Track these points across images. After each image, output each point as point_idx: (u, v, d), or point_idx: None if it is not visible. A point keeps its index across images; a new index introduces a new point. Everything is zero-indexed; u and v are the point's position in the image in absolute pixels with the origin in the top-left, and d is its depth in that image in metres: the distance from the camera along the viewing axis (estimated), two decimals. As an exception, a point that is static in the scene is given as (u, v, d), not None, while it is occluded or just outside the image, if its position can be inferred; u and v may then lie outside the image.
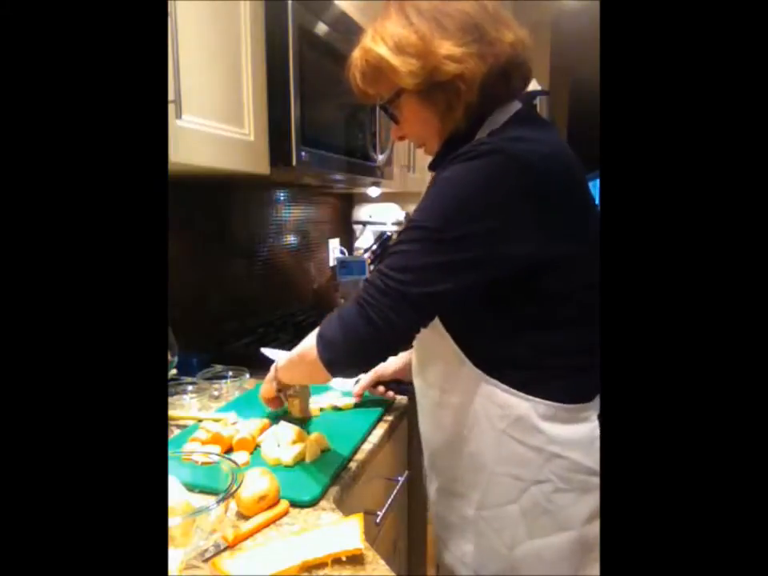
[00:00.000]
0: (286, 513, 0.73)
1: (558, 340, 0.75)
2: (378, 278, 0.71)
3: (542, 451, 0.75)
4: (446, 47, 0.72)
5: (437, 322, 0.77)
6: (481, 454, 0.78)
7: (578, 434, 0.76)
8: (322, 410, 1.07)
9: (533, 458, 0.76)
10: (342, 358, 0.75)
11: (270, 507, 0.73)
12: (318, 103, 1.26)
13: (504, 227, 0.68)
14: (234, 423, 0.97)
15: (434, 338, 0.79)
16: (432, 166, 0.86)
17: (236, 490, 0.67)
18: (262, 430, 0.93)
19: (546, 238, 0.70)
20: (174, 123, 0.87)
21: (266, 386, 0.97)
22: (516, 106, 0.79)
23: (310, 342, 0.78)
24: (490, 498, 0.79)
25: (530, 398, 0.75)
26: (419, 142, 0.86)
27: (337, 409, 1.07)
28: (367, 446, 0.94)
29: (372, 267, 2.09)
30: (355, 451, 0.91)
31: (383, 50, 0.75)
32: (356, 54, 0.81)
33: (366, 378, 1.09)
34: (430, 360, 0.83)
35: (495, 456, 0.77)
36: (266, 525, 0.71)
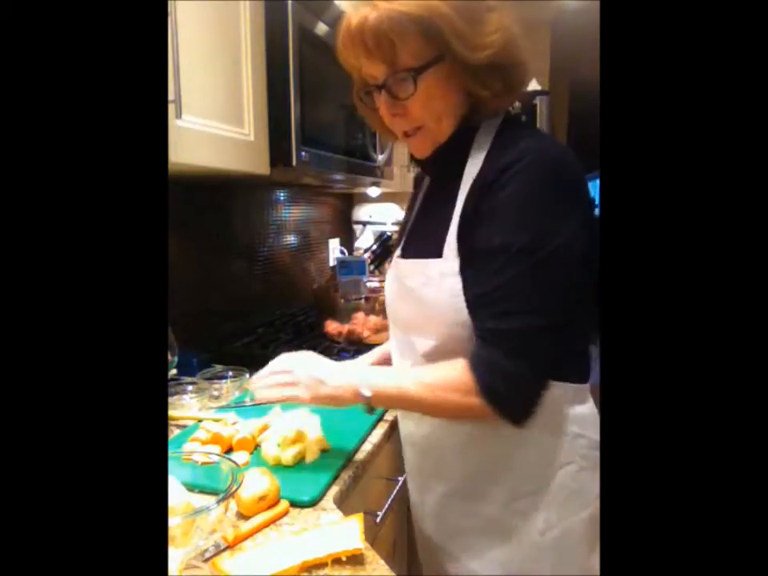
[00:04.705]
0: (286, 513, 0.73)
1: (574, 326, 0.74)
2: (515, 320, 0.68)
3: (565, 434, 0.76)
4: (517, 27, 0.70)
5: (463, 319, 0.73)
6: (503, 448, 0.77)
7: (590, 411, 0.77)
8: None
9: (558, 442, 0.76)
10: (522, 410, 0.72)
11: (270, 507, 0.73)
12: (318, 103, 1.26)
13: (568, 228, 0.68)
14: (234, 423, 0.97)
15: (455, 333, 0.75)
16: (428, 167, 0.84)
17: (236, 490, 0.67)
18: (262, 430, 0.93)
19: (580, 230, 0.70)
20: (173, 123, 0.87)
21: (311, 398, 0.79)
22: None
23: (464, 401, 0.71)
24: (520, 489, 0.77)
25: (553, 382, 0.74)
26: (418, 124, 0.76)
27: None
28: (367, 446, 0.94)
29: (372, 267, 2.09)
30: (355, 451, 0.91)
31: (446, 9, 0.67)
32: (386, 5, 0.68)
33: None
34: (446, 359, 0.77)
35: (521, 449, 0.77)
36: (266, 525, 0.71)
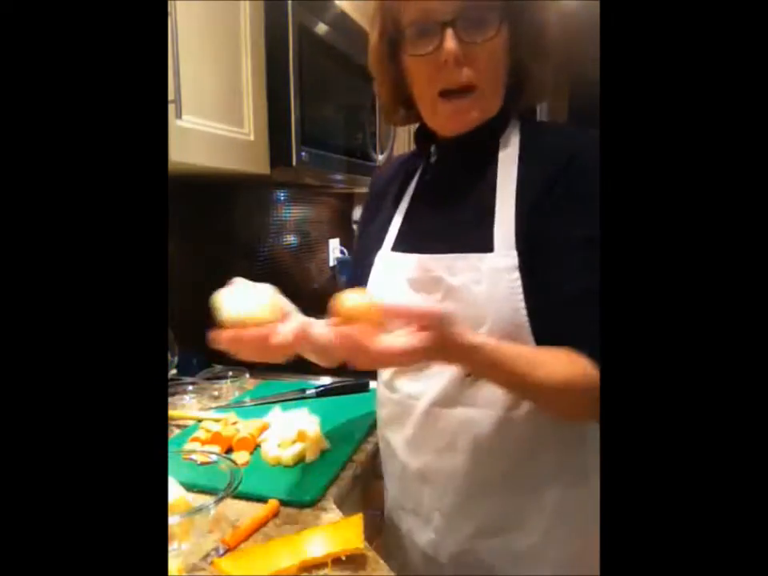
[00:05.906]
0: (275, 512, 0.73)
1: None
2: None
3: None
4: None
5: (521, 320, 0.65)
6: (557, 464, 0.70)
7: None
8: None
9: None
10: None
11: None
12: (317, 103, 1.26)
13: None
14: (234, 423, 0.97)
15: (508, 337, 0.65)
16: (454, 148, 0.74)
17: (235, 489, 0.67)
18: (262, 430, 0.93)
19: None
20: (174, 123, 0.87)
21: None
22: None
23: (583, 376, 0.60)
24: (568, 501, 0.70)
25: None
26: (476, 81, 0.68)
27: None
28: (367, 446, 0.94)
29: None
30: (355, 451, 0.91)
31: None
32: None
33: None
34: None
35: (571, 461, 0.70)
36: (261, 523, 0.70)
